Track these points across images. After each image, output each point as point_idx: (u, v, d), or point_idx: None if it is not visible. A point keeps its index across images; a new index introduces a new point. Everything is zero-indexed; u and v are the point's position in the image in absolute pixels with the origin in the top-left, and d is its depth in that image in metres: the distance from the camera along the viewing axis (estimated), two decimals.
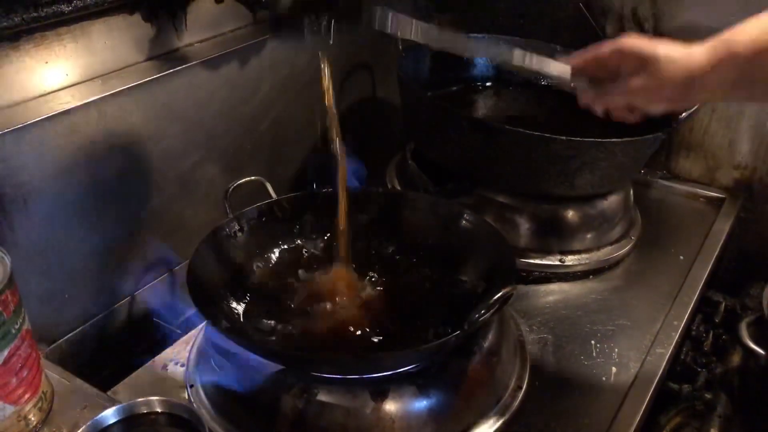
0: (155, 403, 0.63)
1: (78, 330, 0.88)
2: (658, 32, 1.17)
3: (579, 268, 1.01)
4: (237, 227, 0.85)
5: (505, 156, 0.95)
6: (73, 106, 0.79)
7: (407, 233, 0.91)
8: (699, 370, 1.00)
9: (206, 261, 0.79)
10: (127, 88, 0.84)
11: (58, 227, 0.81)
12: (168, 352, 0.86)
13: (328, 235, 0.91)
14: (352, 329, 0.78)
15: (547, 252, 1.00)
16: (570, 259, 1.00)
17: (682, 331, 0.91)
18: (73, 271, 0.85)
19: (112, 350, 0.91)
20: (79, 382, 0.73)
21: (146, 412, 0.63)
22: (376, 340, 0.76)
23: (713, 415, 0.93)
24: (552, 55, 1.21)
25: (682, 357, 1.00)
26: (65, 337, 0.87)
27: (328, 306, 0.81)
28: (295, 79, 1.09)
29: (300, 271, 0.87)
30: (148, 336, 0.92)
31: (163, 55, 0.92)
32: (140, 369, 0.84)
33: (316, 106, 1.15)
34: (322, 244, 0.91)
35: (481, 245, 0.84)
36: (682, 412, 0.97)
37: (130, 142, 0.86)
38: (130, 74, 0.87)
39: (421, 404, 0.70)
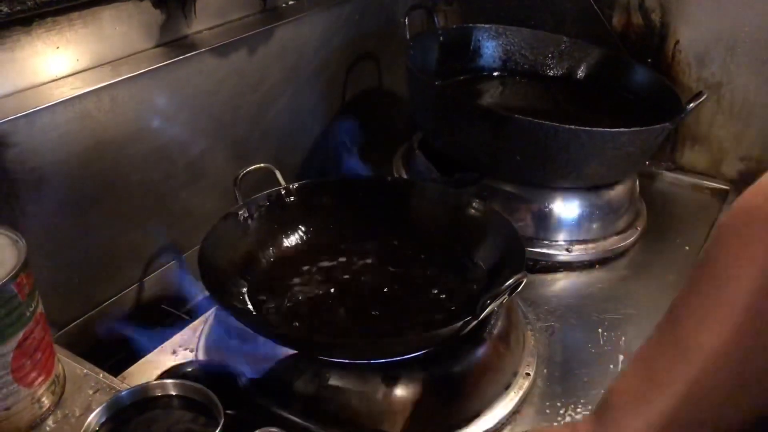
0: (170, 386, 0.63)
1: (86, 316, 0.88)
2: (666, 23, 1.17)
3: (585, 258, 1.01)
4: (248, 213, 0.86)
5: (513, 145, 0.95)
6: (85, 91, 0.78)
7: (416, 221, 0.91)
8: None
9: (218, 246, 0.80)
10: (138, 74, 0.84)
11: (68, 212, 0.81)
12: (176, 339, 0.86)
13: (338, 221, 0.92)
14: (362, 316, 0.78)
15: (553, 241, 1.01)
16: (576, 249, 1.01)
17: None
18: (82, 256, 0.85)
19: (120, 336, 0.92)
20: (89, 366, 0.73)
21: (160, 395, 0.63)
22: (387, 324, 0.77)
23: None
24: (559, 46, 1.22)
25: None
26: (74, 323, 0.87)
27: (338, 291, 0.82)
28: (303, 67, 1.09)
29: (310, 258, 0.87)
30: (156, 322, 0.92)
31: (173, 42, 0.92)
32: (149, 355, 0.84)
33: (323, 95, 1.16)
34: (332, 231, 0.91)
35: (490, 233, 0.85)
36: None
37: (140, 129, 0.86)
38: (140, 61, 0.87)
39: (432, 389, 0.71)
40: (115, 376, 0.76)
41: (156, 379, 0.65)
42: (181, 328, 0.88)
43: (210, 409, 0.61)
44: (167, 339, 0.86)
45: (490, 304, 0.68)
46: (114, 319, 0.91)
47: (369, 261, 0.87)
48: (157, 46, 0.90)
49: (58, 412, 0.68)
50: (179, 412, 0.62)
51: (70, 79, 0.81)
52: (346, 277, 0.84)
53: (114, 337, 0.89)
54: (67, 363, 0.73)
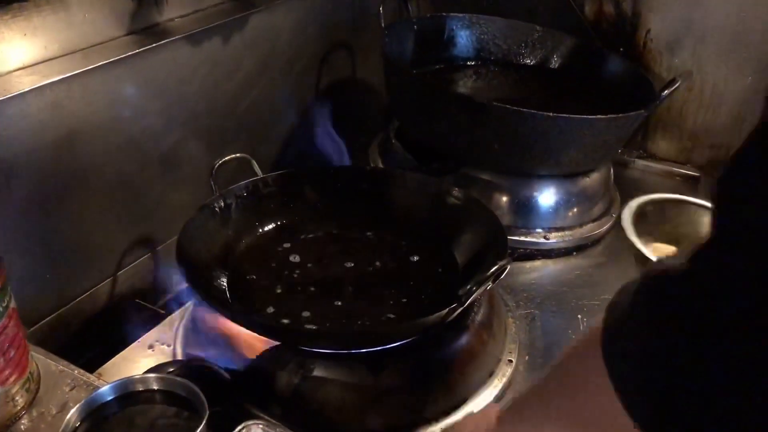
0: (152, 380, 0.61)
1: (60, 311, 0.86)
2: (637, 12, 1.19)
3: (562, 245, 1.02)
4: (224, 204, 0.84)
5: (491, 133, 0.95)
6: (55, 79, 0.76)
7: (395, 210, 0.90)
8: None
9: (195, 238, 0.78)
10: (109, 62, 0.82)
11: (39, 205, 0.79)
12: (153, 333, 0.84)
13: (317, 211, 0.91)
14: (344, 306, 0.78)
15: (531, 229, 1.01)
16: (554, 236, 1.01)
17: None
18: (54, 251, 0.83)
19: (94, 332, 0.89)
20: (64, 363, 0.71)
21: (142, 390, 0.62)
22: (370, 313, 0.76)
23: None
24: (532, 35, 1.22)
25: None
26: (46, 319, 0.84)
27: (319, 281, 0.81)
28: (277, 56, 1.08)
29: (289, 249, 0.86)
30: (130, 317, 0.90)
31: (144, 30, 0.89)
32: (125, 350, 0.82)
33: (297, 85, 1.15)
34: (311, 221, 0.90)
35: (471, 221, 0.84)
36: None
37: (112, 119, 0.84)
38: (111, 49, 0.85)
39: (418, 378, 0.70)
40: (91, 372, 0.75)
41: None
42: (157, 322, 0.86)
43: (194, 403, 0.60)
44: (142, 335, 0.84)
45: (475, 291, 0.68)
46: (87, 315, 0.89)
47: (349, 251, 0.86)
48: (129, 33, 0.88)
49: (33, 410, 0.66)
50: (162, 406, 0.61)
51: (39, 66, 0.78)
52: (327, 267, 0.83)
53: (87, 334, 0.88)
54: (41, 360, 0.71)
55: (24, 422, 0.65)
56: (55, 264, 0.83)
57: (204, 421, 0.57)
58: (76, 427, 0.57)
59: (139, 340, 0.83)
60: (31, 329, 0.82)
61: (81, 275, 0.88)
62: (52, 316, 0.85)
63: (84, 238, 0.86)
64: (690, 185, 1.21)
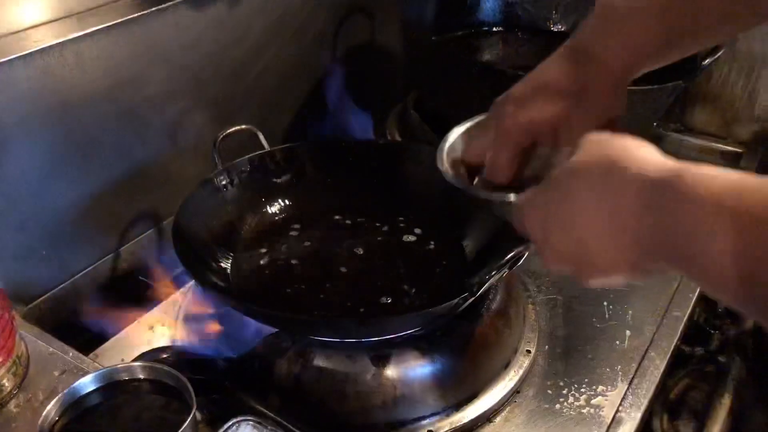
0: (137, 369, 0.58)
1: (57, 288, 0.83)
2: None
3: None
4: (227, 179, 0.80)
5: None
6: (47, 45, 0.72)
7: (409, 187, 0.85)
8: (712, 332, 0.96)
9: (194, 216, 0.74)
10: (107, 27, 0.77)
11: (33, 178, 0.75)
12: (154, 313, 0.82)
13: (326, 187, 0.86)
14: (351, 291, 0.73)
15: None
16: None
17: (698, 292, 0.86)
18: (51, 225, 0.79)
19: (94, 311, 0.86)
20: (58, 344, 0.68)
21: (128, 379, 0.58)
22: (377, 301, 0.71)
23: (727, 378, 0.90)
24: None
25: (695, 319, 0.96)
26: (43, 297, 0.81)
27: (325, 266, 0.77)
28: (288, 21, 1.02)
29: (296, 228, 0.82)
30: (132, 295, 0.87)
31: None
32: (124, 330, 0.79)
33: (310, 52, 1.09)
34: (319, 198, 0.85)
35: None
36: (690, 374, 0.93)
37: (110, 87, 0.80)
38: (110, 12, 0.80)
39: (425, 370, 0.66)
40: (88, 353, 0.72)
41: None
42: (159, 302, 0.83)
43: (182, 393, 0.56)
44: (144, 314, 0.81)
45: (488, 280, 0.63)
46: (87, 293, 0.86)
47: (359, 231, 0.81)
48: None
49: (21, 395, 0.63)
50: (149, 397, 0.58)
51: (31, 32, 0.74)
52: (334, 249, 0.78)
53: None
54: (33, 341, 0.68)
55: (11, 408, 0.62)
56: (52, 240, 0.80)
57: (192, 413, 0.54)
58: (56, 421, 0.54)
59: (140, 320, 0.81)
60: (28, 307, 0.80)
61: (80, 251, 0.84)
62: (50, 293, 0.82)
63: (82, 213, 0.82)
64: (731, 162, 1.13)
